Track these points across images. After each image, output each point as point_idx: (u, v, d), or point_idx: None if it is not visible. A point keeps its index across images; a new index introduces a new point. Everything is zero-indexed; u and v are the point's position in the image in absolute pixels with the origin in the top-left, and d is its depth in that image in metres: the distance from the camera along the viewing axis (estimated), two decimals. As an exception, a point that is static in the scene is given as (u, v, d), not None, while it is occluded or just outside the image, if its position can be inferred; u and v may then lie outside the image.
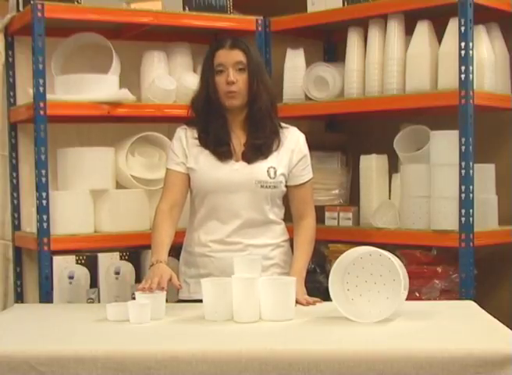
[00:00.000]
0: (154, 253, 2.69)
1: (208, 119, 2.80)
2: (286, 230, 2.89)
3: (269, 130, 2.80)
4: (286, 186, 2.82)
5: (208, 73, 2.79)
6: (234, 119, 2.82)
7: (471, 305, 2.67)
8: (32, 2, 3.03)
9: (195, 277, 2.76)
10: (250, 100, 2.78)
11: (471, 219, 3.00)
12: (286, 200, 2.88)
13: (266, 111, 2.80)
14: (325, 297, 2.54)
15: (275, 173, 2.77)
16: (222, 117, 2.80)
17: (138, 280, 3.23)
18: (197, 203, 2.83)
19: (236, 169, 2.76)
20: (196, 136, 2.82)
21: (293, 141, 2.83)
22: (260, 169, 2.76)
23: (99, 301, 3.15)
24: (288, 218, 2.91)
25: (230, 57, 2.75)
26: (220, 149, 2.78)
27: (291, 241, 2.89)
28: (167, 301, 2.52)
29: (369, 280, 2.43)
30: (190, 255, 2.83)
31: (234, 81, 2.74)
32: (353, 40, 3.42)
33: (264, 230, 2.80)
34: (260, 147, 2.78)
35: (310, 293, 2.72)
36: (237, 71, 2.75)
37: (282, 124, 2.86)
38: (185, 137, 2.83)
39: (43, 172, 3.03)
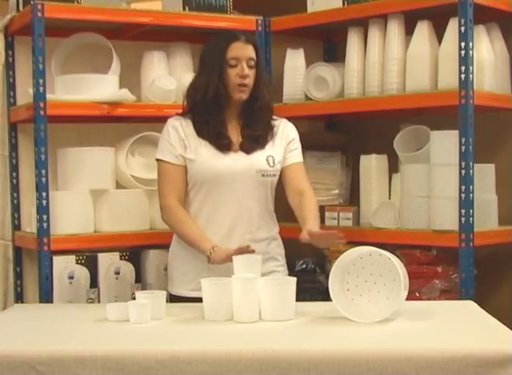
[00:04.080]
0: (204, 242, 2.69)
1: (209, 110, 2.78)
2: (277, 222, 2.90)
3: (265, 124, 2.83)
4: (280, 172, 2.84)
5: (220, 64, 2.76)
6: (231, 111, 2.82)
7: (471, 305, 2.66)
8: (32, 2, 3.03)
9: (192, 273, 2.74)
10: (252, 96, 2.79)
11: (471, 219, 3.00)
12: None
13: (267, 109, 2.83)
14: (325, 297, 2.54)
15: (273, 161, 2.80)
16: (222, 110, 2.79)
17: (138, 280, 3.24)
18: (193, 195, 2.80)
19: (237, 159, 2.77)
20: (191, 126, 2.81)
21: (282, 129, 2.87)
22: (259, 158, 2.79)
23: (99, 301, 3.15)
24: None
25: (245, 52, 2.77)
26: (220, 141, 2.78)
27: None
28: (167, 301, 2.52)
29: (369, 280, 2.43)
30: (186, 249, 2.79)
31: (248, 75, 2.76)
32: (353, 40, 3.42)
33: (263, 222, 2.81)
34: (258, 138, 2.81)
35: (310, 293, 2.72)
36: (248, 67, 2.77)
37: (273, 117, 2.89)
38: (181, 127, 2.81)
39: (43, 172, 3.03)
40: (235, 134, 2.81)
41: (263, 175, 2.78)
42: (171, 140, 2.80)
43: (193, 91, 2.83)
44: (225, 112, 2.81)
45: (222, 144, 2.77)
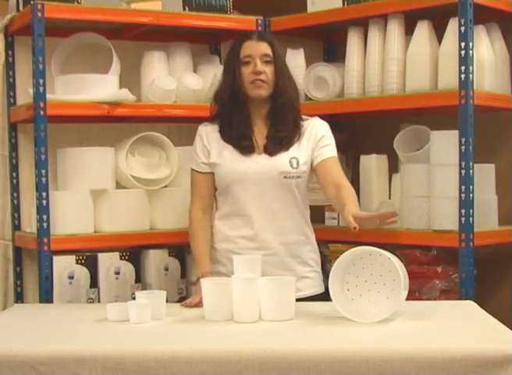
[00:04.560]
0: (198, 266, 2.75)
1: (232, 112, 2.79)
2: (312, 227, 2.90)
3: (291, 124, 2.81)
4: (314, 170, 2.80)
5: (234, 64, 2.78)
6: (257, 112, 2.81)
7: (471, 305, 2.67)
8: (32, 2, 3.03)
9: (219, 275, 2.73)
10: (275, 93, 2.78)
11: (471, 219, 3.00)
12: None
13: (290, 105, 2.81)
14: (325, 297, 2.54)
15: (297, 163, 2.76)
16: (245, 110, 2.79)
17: (138, 280, 3.24)
18: (221, 199, 2.83)
19: (259, 162, 2.76)
20: (218, 130, 2.82)
21: (310, 129, 2.83)
22: (282, 160, 2.76)
23: (99, 301, 3.15)
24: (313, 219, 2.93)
25: (257, 48, 2.76)
26: (242, 143, 2.78)
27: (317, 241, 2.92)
28: (167, 301, 2.53)
29: (369, 280, 2.43)
30: (215, 251, 2.81)
31: (262, 71, 2.74)
32: (353, 40, 3.42)
33: (293, 225, 2.79)
34: (281, 140, 2.78)
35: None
36: (264, 63, 2.76)
37: (303, 116, 2.87)
38: (205, 134, 2.84)
39: (43, 172, 3.03)
40: (260, 137, 2.80)
41: (285, 177, 2.75)
42: (196, 148, 2.85)
43: (216, 95, 2.85)
44: (250, 114, 2.81)
45: (244, 147, 2.77)
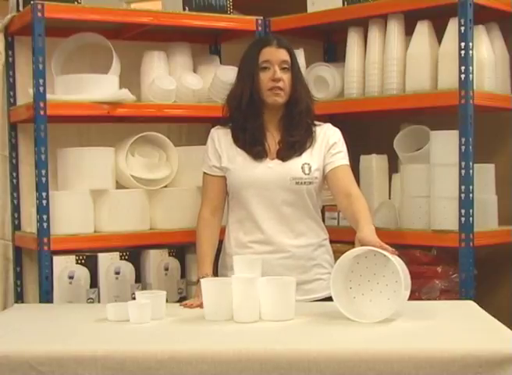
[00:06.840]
0: (199, 267, 2.77)
1: (246, 117, 2.79)
2: (326, 229, 2.90)
3: (304, 130, 2.81)
4: (325, 177, 2.80)
5: (253, 70, 2.77)
6: (271, 118, 2.81)
7: (470, 305, 2.67)
8: (32, 2, 3.03)
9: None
10: (290, 101, 2.78)
11: (471, 219, 3.00)
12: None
13: (305, 113, 2.81)
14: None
15: (309, 169, 2.76)
16: (259, 116, 2.79)
17: (138, 280, 3.23)
18: (233, 204, 2.83)
19: (271, 167, 2.76)
20: (230, 134, 2.83)
21: (322, 136, 2.83)
22: (294, 166, 2.76)
23: (99, 301, 3.15)
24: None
25: (277, 55, 2.76)
26: (255, 149, 2.77)
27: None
28: (167, 301, 2.53)
29: (372, 280, 2.43)
30: (230, 258, 2.77)
31: (280, 78, 2.74)
32: (353, 40, 3.42)
33: (305, 228, 2.80)
34: (294, 144, 2.78)
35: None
36: (282, 70, 2.76)
37: (316, 122, 2.86)
38: (217, 138, 2.84)
39: (43, 172, 3.03)
40: (273, 142, 2.80)
41: (297, 183, 2.75)
42: (208, 151, 2.85)
43: (230, 99, 2.84)
44: (264, 120, 2.80)
45: (256, 152, 2.77)
